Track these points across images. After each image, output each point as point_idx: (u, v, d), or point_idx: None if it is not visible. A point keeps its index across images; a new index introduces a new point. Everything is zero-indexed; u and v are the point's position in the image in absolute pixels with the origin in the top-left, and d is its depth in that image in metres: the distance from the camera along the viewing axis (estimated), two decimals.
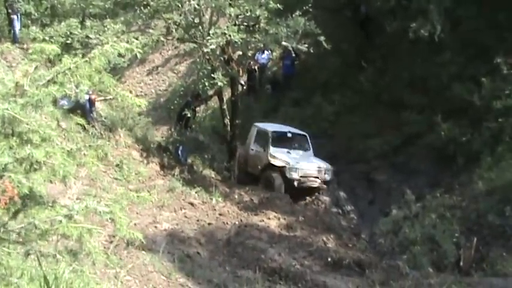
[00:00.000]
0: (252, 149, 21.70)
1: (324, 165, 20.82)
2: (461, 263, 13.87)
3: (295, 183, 20.15)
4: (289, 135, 21.52)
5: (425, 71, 22.33)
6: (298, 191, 19.91)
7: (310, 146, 21.66)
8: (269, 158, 20.75)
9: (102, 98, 17.84)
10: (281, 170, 20.38)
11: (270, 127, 21.72)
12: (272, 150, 20.85)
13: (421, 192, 17.82)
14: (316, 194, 20.17)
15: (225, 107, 20.28)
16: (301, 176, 20.34)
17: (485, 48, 20.62)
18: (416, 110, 21.54)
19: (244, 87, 27.30)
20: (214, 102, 23.87)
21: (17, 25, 21.08)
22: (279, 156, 20.75)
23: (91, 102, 17.25)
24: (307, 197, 19.96)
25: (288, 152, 21.05)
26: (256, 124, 22.13)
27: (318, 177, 20.52)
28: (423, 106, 21.53)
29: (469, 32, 21.55)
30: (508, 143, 17.56)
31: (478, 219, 15.10)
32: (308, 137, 21.73)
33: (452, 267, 13.71)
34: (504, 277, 12.19)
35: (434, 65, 22.08)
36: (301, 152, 21.53)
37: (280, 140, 21.29)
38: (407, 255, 14.23)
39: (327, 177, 20.66)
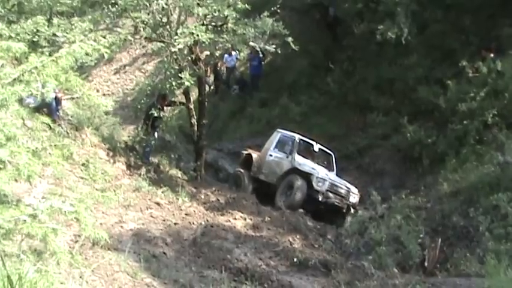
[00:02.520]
0: (271, 155, 20.34)
1: (352, 187, 19.60)
2: (425, 264, 13.99)
3: (320, 197, 18.74)
4: (315, 148, 20.06)
5: (391, 73, 22.54)
6: (319, 208, 18.88)
7: (334, 167, 20.52)
8: (294, 163, 19.39)
9: (69, 96, 17.69)
10: (307, 177, 18.91)
11: (296, 135, 20.17)
12: (297, 157, 19.57)
13: (387, 194, 17.94)
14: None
15: (192, 106, 20.21)
16: (327, 190, 18.88)
17: (451, 52, 20.88)
18: (382, 111, 21.70)
19: (212, 88, 27.35)
20: None
21: None
22: (305, 162, 19.53)
23: (57, 100, 17.07)
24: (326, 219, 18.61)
25: (313, 165, 19.66)
26: (280, 130, 20.81)
27: (345, 198, 19.21)
28: (389, 108, 21.70)
29: (436, 35, 21.80)
30: (472, 145, 17.75)
31: (442, 220, 15.25)
32: (334, 157, 20.61)
33: (417, 268, 13.83)
34: (467, 277, 12.32)
35: (400, 68, 22.31)
36: (325, 169, 19.87)
37: (306, 151, 20.10)
38: (372, 256, 14.29)
39: (353, 200, 19.32)
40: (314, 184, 18.77)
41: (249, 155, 21.07)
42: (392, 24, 20.27)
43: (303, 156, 19.77)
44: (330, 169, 20.29)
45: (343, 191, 19.24)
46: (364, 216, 16.69)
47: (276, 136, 20.63)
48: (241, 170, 20.82)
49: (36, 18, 17.88)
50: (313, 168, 19.25)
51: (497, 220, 13.75)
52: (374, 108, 22.02)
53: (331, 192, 18.98)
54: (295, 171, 19.28)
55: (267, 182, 20.13)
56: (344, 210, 19.13)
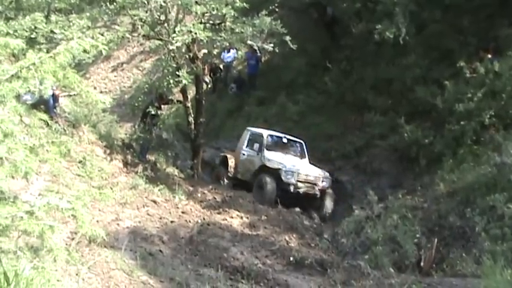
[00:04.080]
0: (244, 154, 20.99)
1: (321, 172, 20.12)
2: (421, 264, 13.97)
3: (291, 188, 19.36)
4: (284, 140, 20.89)
5: (389, 73, 22.51)
6: (292, 198, 19.19)
7: (306, 154, 21.04)
8: (263, 160, 20.07)
9: (66, 93, 17.68)
10: (276, 173, 19.55)
11: (265, 131, 21.00)
12: (266, 153, 20.22)
13: (384, 193, 17.94)
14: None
15: (189, 105, 20.21)
16: (297, 181, 19.47)
17: (449, 52, 20.84)
18: (380, 111, 21.67)
19: (209, 86, 27.35)
20: None
21: None
22: (274, 158, 20.07)
23: (55, 97, 17.08)
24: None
25: (283, 157, 20.25)
26: (250, 128, 21.57)
27: (315, 184, 19.77)
28: (387, 108, 21.68)
29: (434, 35, 21.75)
30: (469, 146, 17.73)
31: (439, 221, 15.21)
32: (304, 145, 21.20)
33: (413, 268, 13.80)
34: (463, 278, 12.30)
35: (398, 67, 22.26)
36: (296, 158, 20.70)
37: (275, 145, 20.79)
38: (369, 255, 14.29)
39: (325, 185, 19.92)
40: (283, 178, 19.41)
41: (225, 156, 21.63)
42: (390, 24, 20.24)
43: (274, 150, 20.48)
44: (302, 156, 20.99)
45: (312, 178, 19.77)
46: (361, 215, 16.68)
47: (246, 134, 21.30)
48: (220, 170, 21.56)
49: (34, 15, 17.88)
50: (281, 163, 19.79)
51: (494, 221, 13.72)
52: (371, 107, 22.01)
53: (300, 182, 19.54)
54: (264, 168, 19.93)
55: (244, 180, 20.70)
56: (318, 196, 19.77)
